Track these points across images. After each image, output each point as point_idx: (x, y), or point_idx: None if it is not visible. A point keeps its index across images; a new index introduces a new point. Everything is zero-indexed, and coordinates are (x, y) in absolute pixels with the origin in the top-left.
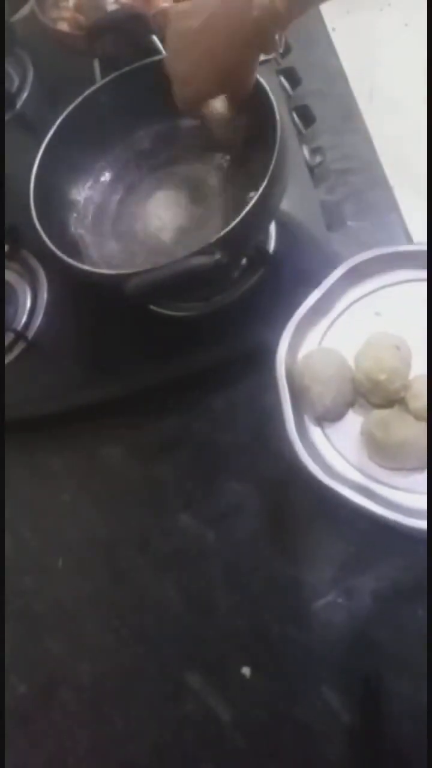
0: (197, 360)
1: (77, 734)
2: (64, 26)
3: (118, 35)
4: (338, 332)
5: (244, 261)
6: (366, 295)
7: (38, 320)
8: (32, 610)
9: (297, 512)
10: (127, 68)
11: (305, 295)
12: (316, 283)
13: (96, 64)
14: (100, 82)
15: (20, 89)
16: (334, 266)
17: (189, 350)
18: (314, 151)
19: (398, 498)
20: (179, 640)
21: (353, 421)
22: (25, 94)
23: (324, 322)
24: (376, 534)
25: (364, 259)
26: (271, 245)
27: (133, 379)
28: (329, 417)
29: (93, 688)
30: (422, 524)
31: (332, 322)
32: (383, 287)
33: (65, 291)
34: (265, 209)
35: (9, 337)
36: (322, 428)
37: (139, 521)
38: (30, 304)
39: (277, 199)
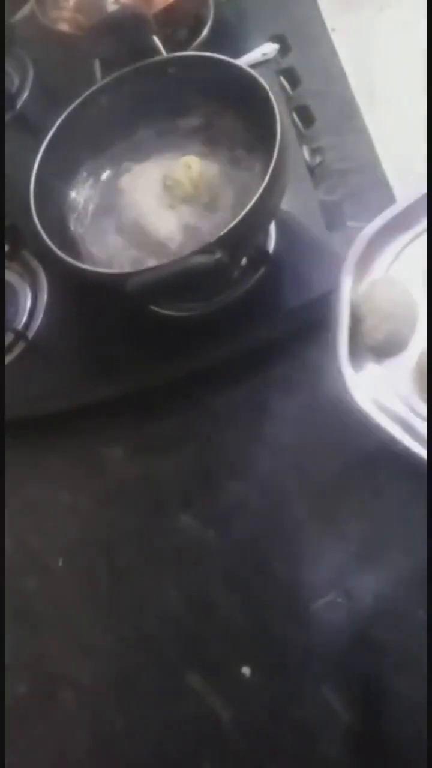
0: (197, 360)
1: (77, 734)
2: (64, 26)
3: (118, 35)
4: (413, 257)
5: (244, 261)
6: None
7: (38, 320)
8: (32, 610)
9: (297, 511)
10: (127, 68)
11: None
12: (316, 286)
13: (96, 64)
14: (100, 83)
15: (20, 89)
16: (333, 266)
17: (189, 350)
18: (314, 152)
19: None
20: (179, 640)
21: (411, 355)
22: (25, 95)
23: (399, 242)
24: (376, 534)
25: None
26: (271, 245)
27: (133, 379)
28: (382, 352)
29: (93, 688)
30: None
31: (408, 244)
32: None
33: (65, 291)
34: (265, 209)
35: (9, 337)
36: (377, 356)
37: (139, 521)
38: (30, 305)
39: (277, 199)
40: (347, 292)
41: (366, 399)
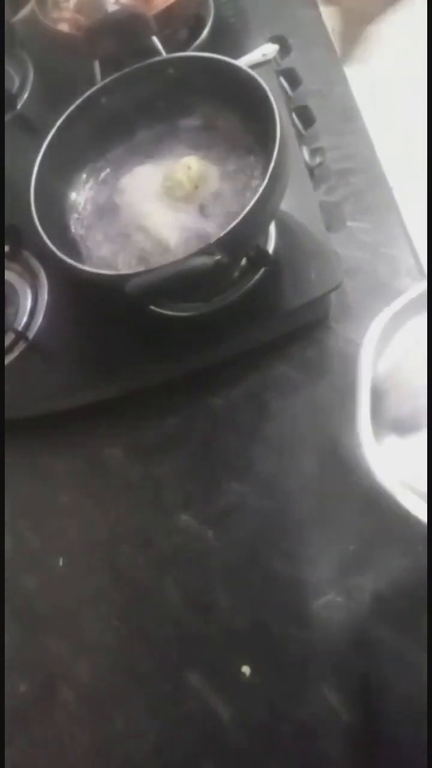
0: (197, 360)
1: (77, 734)
2: (64, 27)
3: (118, 36)
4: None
5: (244, 261)
6: None
7: (39, 321)
8: (32, 610)
9: (297, 511)
10: (127, 69)
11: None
12: (316, 286)
13: (96, 64)
14: (100, 83)
15: (21, 90)
16: (333, 266)
17: (189, 350)
18: (314, 152)
19: None
20: (179, 640)
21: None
22: (25, 95)
23: (420, 320)
24: (376, 533)
25: None
26: (271, 245)
27: (133, 379)
28: (405, 427)
29: (93, 688)
30: None
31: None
32: None
33: (66, 291)
34: (265, 209)
35: (9, 338)
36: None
37: (139, 521)
38: (30, 305)
39: (277, 200)
40: (368, 368)
41: (388, 476)
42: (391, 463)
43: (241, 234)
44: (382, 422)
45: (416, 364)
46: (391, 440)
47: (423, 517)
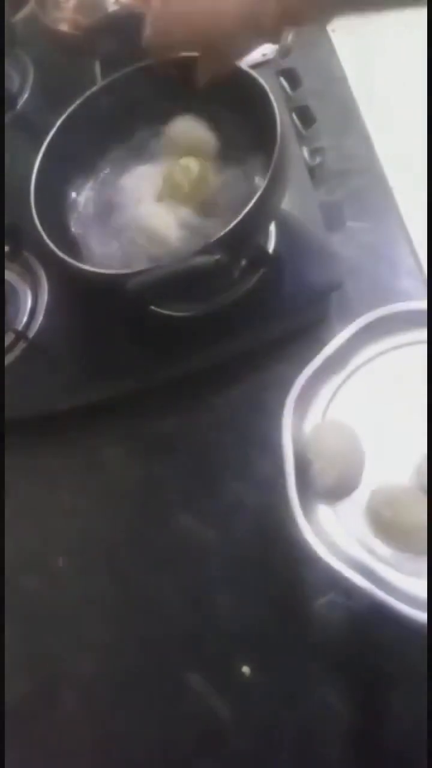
0: (197, 360)
1: (77, 734)
2: (64, 27)
3: (118, 36)
4: (350, 395)
5: (244, 261)
6: (382, 354)
7: (39, 320)
8: (32, 610)
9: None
10: (128, 69)
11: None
12: (316, 286)
13: (97, 64)
14: (100, 83)
15: (21, 90)
16: (333, 266)
17: (189, 350)
18: (314, 152)
19: (401, 583)
20: (179, 640)
21: (362, 493)
22: (25, 95)
23: (335, 382)
24: None
25: (380, 315)
26: (271, 245)
27: (133, 379)
28: (332, 496)
29: (93, 688)
30: (422, 616)
31: (343, 383)
32: (401, 346)
33: (66, 291)
34: (265, 209)
35: (10, 338)
36: (328, 500)
37: (140, 521)
38: (31, 305)
39: (277, 200)
40: (289, 437)
41: (322, 545)
42: (322, 531)
43: (241, 234)
44: (313, 492)
45: (332, 432)
46: (323, 509)
47: (367, 588)
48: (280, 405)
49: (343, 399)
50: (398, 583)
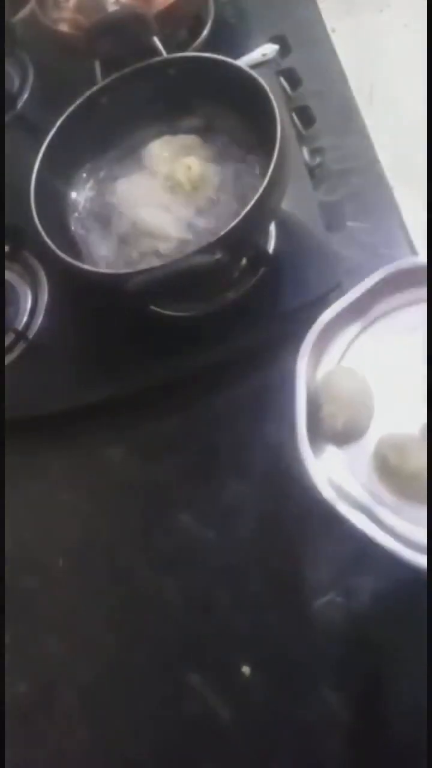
0: (197, 360)
1: (77, 734)
2: (64, 27)
3: (118, 36)
4: (366, 346)
5: (244, 261)
6: (401, 307)
7: (39, 320)
8: (32, 610)
9: (297, 511)
10: (128, 69)
11: (307, 297)
12: (316, 286)
13: (97, 64)
14: (100, 83)
15: (21, 90)
16: (333, 267)
17: (189, 350)
18: (314, 152)
19: (403, 529)
20: (179, 640)
21: (371, 440)
22: (25, 95)
23: (351, 331)
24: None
25: (402, 268)
26: (271, 245)
27: (133, 379)
28: (341, 439)
29: (93, 688)
30: (421, 560)
31: (360, 333)
32: (421, 301)
33: (66, 291)
34: (265, 209)
35: (9, 337)
36: (336, 443)
37: (139, 521)
38: (30, 305)
39: (277, 200)
40: (303, 377)
41: (328, 486)
42: (329, 475)
43: (241, 233)
44: (321, 435)
45: (344, 377)
46: (331, 451)
47: (366, 528)
48: (281, 405)
49: (359, 348)
50: (400, 528)
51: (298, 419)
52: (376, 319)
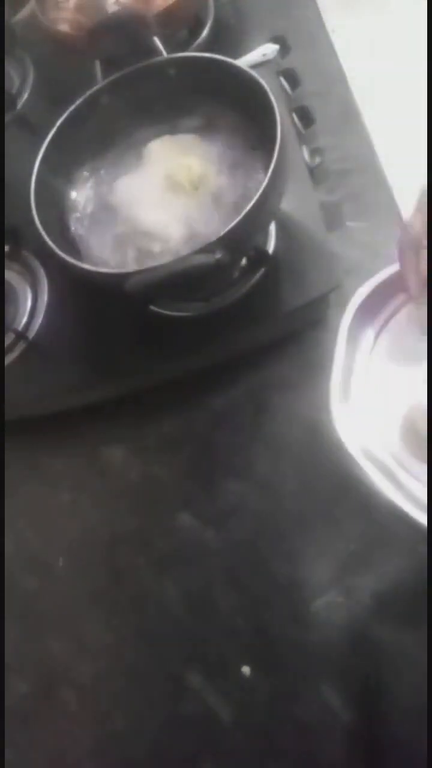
0: (197, 360)
1: (77, 734)
2: (64, 27)
3: (119, 36)
4: (407, 319)
5: (244, 261)
6: None
7: (39, 320)
8: (32, 610)
9: (297, 511)
10: (128, 69)
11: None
12: (316, 286)
13: (97, 64)
14: (101, 83)
15: (21, 90)
16: (333, 266)
17: (189, 350)
18: (314, 152)
19: (420, 493)
20: (179, 640)
21: (401, 405)
22: (25, 95)
23: (396, 302)
24: (376, 533)
25: None
26: (271, 245)
27: (133, 379)
28: (371, 408)
29: (93, 688)
30: (422, 518)
31: (397, 309)
32: None
33: (66, 291)
34: (265, 209)
35: (9, 338)
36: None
37: (139, 521)
38: (30, 305)
39: (277, 200)
40: (345, 335)
41: (355, 445)
42: (358, 436)
43: (241, 233)
44: (356, 398)
45: (386, 351)
46: (360, 415)
47: (388, 491)
48: (281, 405)
49: (397, 323)
50: (417, 491)
51: (334, 382)
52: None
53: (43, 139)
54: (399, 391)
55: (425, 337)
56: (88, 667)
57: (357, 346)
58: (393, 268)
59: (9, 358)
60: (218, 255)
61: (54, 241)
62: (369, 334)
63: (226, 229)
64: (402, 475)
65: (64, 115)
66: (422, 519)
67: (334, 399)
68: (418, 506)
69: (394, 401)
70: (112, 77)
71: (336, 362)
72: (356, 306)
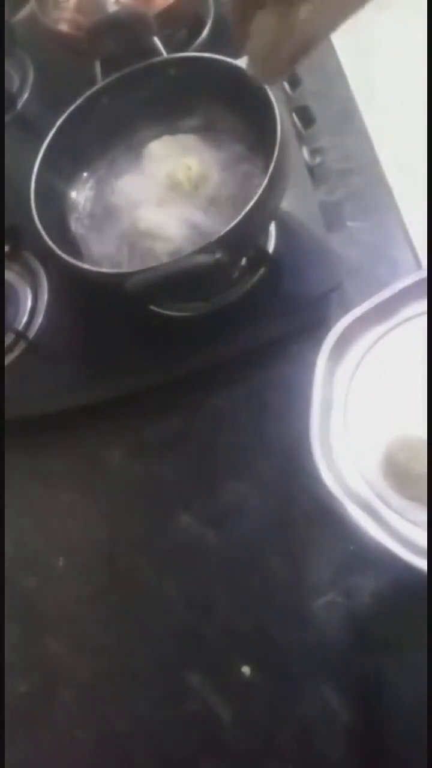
0: (197, 360)
1: (77, 734)
2: (64, 27)
3: (119, 36)
4: (386, 349)
5: (244, 261)
6: (422, 315)
7: (39, 320)
8: (32, 610)
9: (297, 512)
10: (128, 69)
11: (305, 299)
12: (316, 286)
13: (97, 64)
14: (101, 83)
15: (21, 90)
16: (333, 266)
17: (189, 350)
18: (314, 152)
19: (404, 530)
20: (179, 640)
21: (382, 438)
22: (25, 95)
23: (374, 334)
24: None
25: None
26: (271, 245)
27: (133, 379)
28: (352, 441)
29: (93, 688)
30: (421, 563)
31: (382, 336)
32: None
33: (66, 291)
34: (265, 209)
35: (9, 338)
36: (347, 439)
37: (139, 521)
38: (30, 305)
39: (277, 200)
40: (321, 375)
41: (336, 484)
42: (340, 473)
43: (241, 233)
44: (335, 433)
45: (367, 382)
46: (340, 449)
47: (370, 529)
48: (281, 405)
49: (380, 351)
50: (403, 530)
51: (313, 417)
52: (399, 323)
53: (43, 139)
54: (380, 423)
55: (406, 367)
56: (88, 667)
57: (335, 379)
58: (374, 300)
59: (9, 358)
60: (218, 255)
61: (54, 241)
62: (349, 365)
63: (226, 229)
64: (385, 511)
65: (64, 115)
66: (409, 559)
67: (314, 436)
68: (403, 544)
69: (374, 434)
70: (112, 77)
71: (314, 397)
72: (332, 342)
